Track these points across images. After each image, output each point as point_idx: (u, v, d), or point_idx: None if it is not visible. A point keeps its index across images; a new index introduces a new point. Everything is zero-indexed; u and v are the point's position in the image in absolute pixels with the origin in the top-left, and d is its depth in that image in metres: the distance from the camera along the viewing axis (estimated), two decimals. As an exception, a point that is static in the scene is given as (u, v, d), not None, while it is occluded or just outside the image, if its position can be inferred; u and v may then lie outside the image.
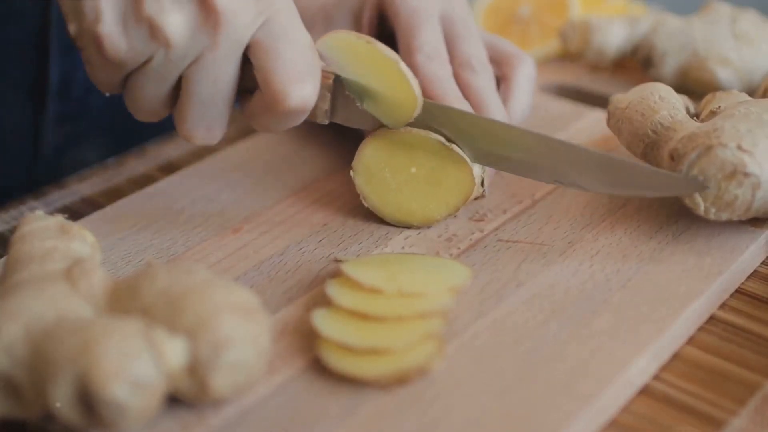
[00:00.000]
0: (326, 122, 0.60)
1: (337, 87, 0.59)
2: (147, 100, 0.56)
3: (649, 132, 0.60)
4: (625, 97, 0.64)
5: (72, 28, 0.54)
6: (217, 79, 0.55)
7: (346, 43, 0.58)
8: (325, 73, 0.58)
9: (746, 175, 0.56)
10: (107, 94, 0.58)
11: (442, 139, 0.59)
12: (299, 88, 0.55)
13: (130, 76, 0.56)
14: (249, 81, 0.56)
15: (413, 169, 0.60)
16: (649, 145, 0.61)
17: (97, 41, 0.53)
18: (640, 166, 0.58)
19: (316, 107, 0.58)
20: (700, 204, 0.58)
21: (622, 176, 0.58)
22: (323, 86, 0.58)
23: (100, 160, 0.74)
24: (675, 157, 0.58)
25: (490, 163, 0.60)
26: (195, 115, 0.56)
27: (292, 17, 0.55)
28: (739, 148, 0.56)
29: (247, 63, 0.56)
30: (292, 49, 0.55)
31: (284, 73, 0.55)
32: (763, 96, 0.66)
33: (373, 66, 0.58)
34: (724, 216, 0.58)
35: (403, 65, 0.58)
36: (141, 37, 0.53)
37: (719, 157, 0.56)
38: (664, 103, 0.61)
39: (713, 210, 0.58)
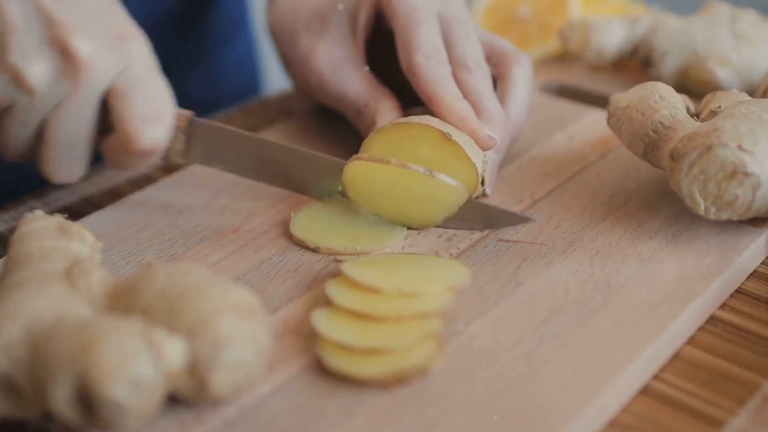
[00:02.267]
0: (182, 162, 0.63)
1: (192, 129, 0.62)
2: (12, 142, 0.59)
3: (650, 131, 0.60)
4: (625, 97, 0.64)
5: None
6: (77, 123, 0.58)
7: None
8: (179, 116, 0.61)
9: (747, 174, 0.56)
10: None
11: (446, 132, 0.59)
12: (151, 130, 0.58)
13: None
14: (107, 123, 0.59)
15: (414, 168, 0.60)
16: (649, 144, 0.61)
17: None
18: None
19: (171, 148, 0.62)
20: (701, 204, 0.58)
21: None
22: (177, 128, 0.61)
23: (96, 160, 0.74)
24: (675, 157, 0.58)
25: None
26: (56, 157, 0.59)
27: (148, 65, 0.59)
28: (740, 147, 0.56)
29: (105, 106, 0.59)
30: (147, 95, 0.58)
31: (137, 117, 0.58)
32: (764, 96, 0.66)
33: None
34: (725, 216, 0.58)
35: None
36: (5, 83, 0.56)
37: (720, 156, 0.56)
38: (664, 102, 0.61)
39: (713, 210, 0.58)
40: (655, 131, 0.60)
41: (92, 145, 0.60)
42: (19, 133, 0.58)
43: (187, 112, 0.62)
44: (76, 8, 0.57)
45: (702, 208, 0.58)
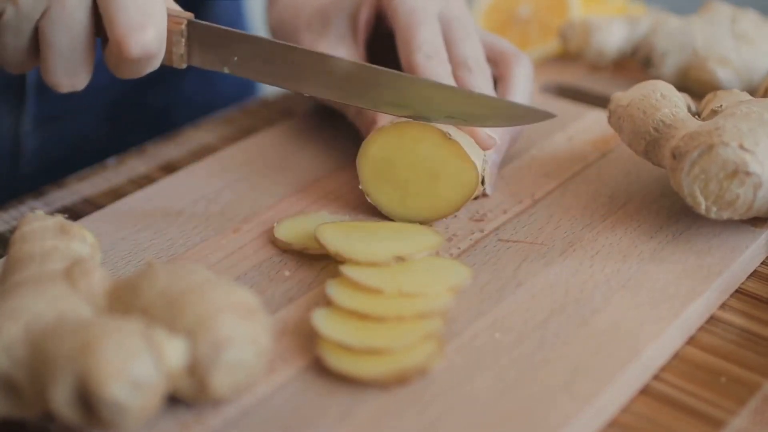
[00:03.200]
0: (183, 66, 0.61)
1: (191, 31, 0.60)
2: (10, 53, 0.58)
3: (651, 130, 0.60)
4: (626, 95, 0.64)
5: None
6: (70, 27, 0.57)
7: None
8: (176, 18, 0.60)
9: (748, 174, 0.56)
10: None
11: (446, 131, 0.60)
12: (141, 34, 0.56)
13: None
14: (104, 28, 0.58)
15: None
16: (650, 143, 0.61)
17: None
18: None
19: (170, 52, 0.60)
20: (702, 203, 0.58)
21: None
22: (175, 32, 0.60)
23: (83, 164, 0.74)
24: (677, 156, 0.58)
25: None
26: (56, 64, 0.58)
27: None
28: (741, 147, 0.56)
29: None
30: None
31: (124, 21, 0.56)
32: (764, 95, 0.66)
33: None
34: (726, 215, 0.58)
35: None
36: None
37: (721, 156, 0.56)
38: (665, 100, 0.61)
39: (714, 209, 0.58)
40: (656, 129, 0.60)
41: (92, 50, 0.59)
42: (15, 43, 0.57)
43: (186, 14, 0.60)
44: None
45: (703, 207, 0.58)
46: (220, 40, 0.60)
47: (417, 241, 0.58)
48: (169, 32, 0.59)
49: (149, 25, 0.57)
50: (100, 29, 0.58)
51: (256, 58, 0.61)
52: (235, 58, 0.61)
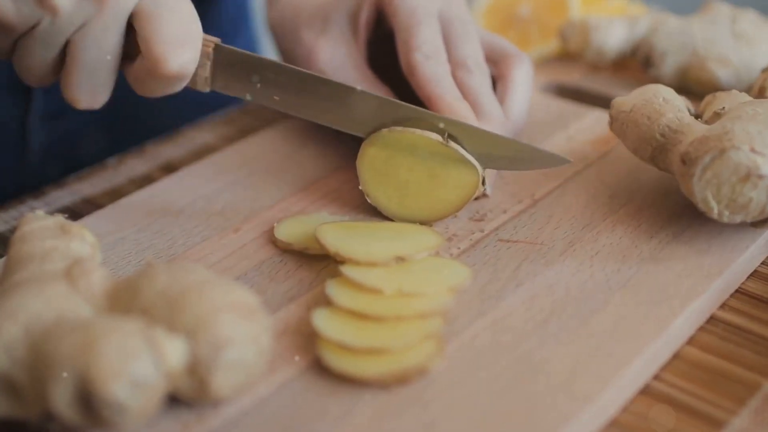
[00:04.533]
0: (207, 89, 0.61)
1: (217, 55, 0.60)
2: (35, 65, 0.58)
3: (657, 135, 0.60)
4: (627, 100, 0.63)
5: None
6: (102, 45, 0.56)
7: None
8: (205, 42, 0.60)
9: (760, 177, 0.56)
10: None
11: (440, 138, 0.60)
12: (179, 53, 0.56)
13: (18, 40, 0.57)
14: (132, 47, 0.58)
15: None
16: (657, 148, 0.60)
17: None
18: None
19: (196, 74, 0.60)
20: (714, 207, 0.57)
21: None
22: (203, 54, 0.60)
23: (90, 161, 0.74)
24: (687, 161, 0.58)
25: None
26: (80, 81, 0.58)
27: None
28: (752, 150, 0.56)
29: (130, 30, 0.57)
30: (175, 17, 0.57)
31: (165, 39, 0.56)
32: (759, 93, 0.66)
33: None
34: (738, 218, 0.58)
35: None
36: (28, 3, 0.54)
37: (733, 159, 0.56)
38: (669, 105, 0.61)
39: (727, 213, 0.57)
40: (662, 135, 0.60)
41: (117, 69, 0.59)
42: (43, 56, 0.57)
43: (214, 38, 0.60)
44: None
45: (716, 211, 0.58)
46: (245, 65, 0.60)
47: (417, 241, 0.58)
48: None
49: (189, 44, 0.57)
50: (126, 49, 0.58)
51: (279, 85, 0.61)
52: (258, 85, 0.61)
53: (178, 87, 0.59)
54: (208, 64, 0.60)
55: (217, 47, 0.60)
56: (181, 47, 0.56)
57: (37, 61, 0.57)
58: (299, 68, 0.61)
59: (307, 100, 0.61)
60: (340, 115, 0.61)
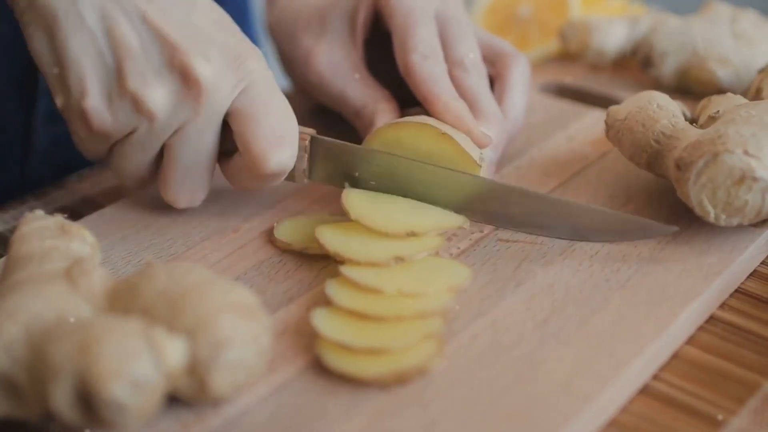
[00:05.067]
0: (305, 182, 0.62)
1: (314, 147, 0.61)
2: (132, 169, 0.59)
3: (652, 142, 0.60)
4: (622, 108, 0.63)
5: (59, 101, 0.57)
6: (199, 147, 0.57)
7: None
8: (301, 135, 0.60)
9: (755, 179, 0.56)
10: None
11: (441, 128, 0.60)
12: (278, 153, 0.57)
13: (115, 146, 0.58)
14: (228, 143, 0.58)
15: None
16: (652, 155, 0.60)
17: (83, 115, 0.56)
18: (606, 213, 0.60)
19: (294, 168, 0.60)
20: (710, 211, 0.57)
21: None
22: (300, 147, 0.60)
23: (95, 163, 0.74)
24: (681, 166, 0.58)
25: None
26: (178, 181, 0.59)
27: (269, 84, 0.57)
28: (746, 153, 0.56)
29: (225, 126, 0.58)
30: (271, 115, 0.57)
31: (264, 139, 0.57)
32: (756, 95, 0.66)
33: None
34: (735, 221, 0.58)
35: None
36: (125, 110, 0.55)
37: (726, 163, 0.56)
38: (663, 111, 0.61)
39: (723, 216, 0.57)
40: (657, 141, 0.60)
41: (213, 168, 0.59)
42: (140, 159, 0.58)
43: (309, 130, 0.61)
44: (192, 29, 0.56)
45: (712, 215, 0.58)
46: (342, 155, 0.61)
47: (417, 240, 0.58)
48: None
49: (286, 141, 0.57)
50: (222, 146, 0.58)
51: (377, 174, 0.61)
52: (356, 174, 0.61)
53: (276, 182, 0.59)
54: (306, 156, 0.60)
55: (313, 139, 0.60)
56: (281, 146, 0.57)
57: (134, 165, 0.58)
58: (395, 154, 0.60)
59: (408, 185, 0.60)
60: (447, 199, 0.60)
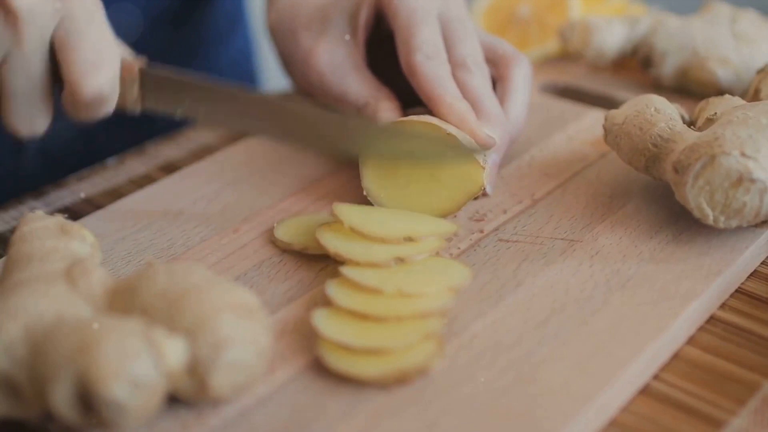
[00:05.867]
0: (137, 110, 0.62)
1: (144, 76, 0.61)
2: None
3: (650, 146, 0.60)
4: (620, 112, 0.63)
5: None
6: (29, 74, 0.58)
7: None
8: (129, 64, 0.61)
9: (753, 181, 0.56)
10: None
11: (446, 128, 0.60)
12: (94, 77, 0.58)
13: None
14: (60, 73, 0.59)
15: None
16: (650, 158, 0.60)
17: None
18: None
19: (123, 97, 0.61)
20: (709, 214, 0.57)
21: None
22: (129, 77, 0.61)
23: (90, 160, 0.74)
24: (679, 169, 0.58)
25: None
26: (16, 109, 0.59)
27: (89, 13, 0.59)
28: (743, 154, 0.56)
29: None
30: (87, 42, 0.58)
31: (79, 65, 0.58)
32: (754, 95, 0.66)
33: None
34: (734, 223, 0.58)
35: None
36: None
37: (723, 165, 0.56)
38: (660, 115, 0.61)
39: (722, 218, 0.57)
40: (654, 145, 0.60)
41: (50, 95, 0.60)
42: None
43: (139, 61, 0.62)
44: None
45: (711, 218, 0.58)
46: (172, 86, 0.62)
47: (415, 244, 0.58)
48: (122, 79, 0.61)
49: (103, 67, 0.58)
50: (57, 74, 0.60)
51: (204, 102, 0.62)
52: (186, 103, 0.62)
53: (103, 110, 0.60)
54: (136, 85, 0.61)
55: (142, 70, 0.61)
56: (94, 72, 0.58)
57: None
58: (220, 83, 0.62)
59: (242, 116, 0.62)
60: (272, 126, 0.62)
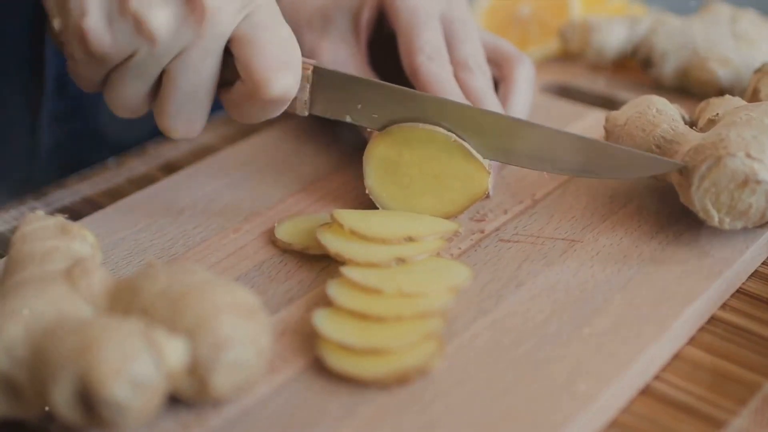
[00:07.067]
0: (305, 114, 0.61)
1: (316, 79, 0.60)
2: (128, 96, 0.57)
3: (653, 147, 0.60)
4: (622, 114, 0.63)
5: (56, 23, 0.55)
6: (200, 72, 0.56)
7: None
8: (304, 65, 0.59)
9: (758, 182, 0.56)
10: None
11: (452, 135, 0.59)
12: (281, 76, 0.56)
13: (112, 72, 0.56)
14: (228, 73, 0.57)
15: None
16: None
17: (82, 36, 0.53)
18: (619, 148, 0.59)
19: (295, 98, 0.59)
20: (715, 216, 0.57)
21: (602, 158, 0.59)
22: (303, 77, 0.59)
23: (100, 160, 0.74)
24: (684, 171, 0.58)
25: (497, 156, 0.60)
26: (176, 109, 0.57)
27: (272, 11, 0.56)
28: (748, 156, 0.56)
29: (227, 55, 0.57)
30: (274, 40, 0.56)
31: (267, 63, 0.55)
32: (753, 95, 0.66)
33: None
34: (740, 225, 0.58)
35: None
36: (126, 32, 0.53)
37: (729, 167, 0.56)
38: (662, 116, 0.61)
39: (728, 220, 0.57)
40: (658, 146, 0.60)
41: (212, 96, 0.58)
42: (137, 86, 0.56)
43: (312, 60, 0.60)
44: None
45: (716, 219, 0.58)
46: (345, 86, 0.60)
47: (416, 243, 0.58)
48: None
49: (290, 66, 0.56)
50: (223, 74, 0.57)
51: (381, 105, 0.60)
52: (359, 106, 0.60)
53: (278, 112, 0.58)
54: (308, 87, 0.60)
55: (316, 69, 0.60)
56: (284, 70, 0.56)
57: (130, 91, 0.56)
58: (398, 86, 0.60)
59: (411, 116, 0.60)
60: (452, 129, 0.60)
